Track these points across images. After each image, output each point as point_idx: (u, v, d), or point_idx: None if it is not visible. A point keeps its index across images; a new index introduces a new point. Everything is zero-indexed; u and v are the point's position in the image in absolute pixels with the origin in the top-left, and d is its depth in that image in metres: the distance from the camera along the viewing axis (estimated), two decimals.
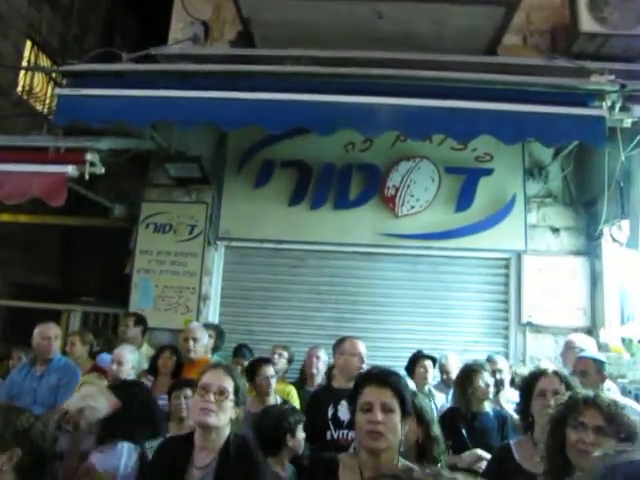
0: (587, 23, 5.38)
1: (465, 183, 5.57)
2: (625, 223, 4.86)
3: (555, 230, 5.68)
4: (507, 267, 5.64)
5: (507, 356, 5.20)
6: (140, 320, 4.98)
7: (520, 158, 5.66)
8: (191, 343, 4.32)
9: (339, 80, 4.33)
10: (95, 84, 4.43)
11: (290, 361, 4.77)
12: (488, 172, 5.58)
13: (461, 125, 4.16)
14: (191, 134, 5.32)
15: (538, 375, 2.51)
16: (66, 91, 4.43)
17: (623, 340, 4.85)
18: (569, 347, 4.13)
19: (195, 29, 6.09)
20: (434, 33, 5.24)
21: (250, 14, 5.34)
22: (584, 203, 5.64)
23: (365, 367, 3.14)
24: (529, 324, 5.42)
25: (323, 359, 4.47)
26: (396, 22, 5.16)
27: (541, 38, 5.93)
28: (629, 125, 4.25)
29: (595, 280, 5.42)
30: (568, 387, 2.27)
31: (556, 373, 2.46)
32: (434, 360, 4.49)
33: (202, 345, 4.42)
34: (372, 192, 5.62)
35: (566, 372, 2.56)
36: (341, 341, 3.49)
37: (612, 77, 4.32)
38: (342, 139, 5.52)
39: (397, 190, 5.57)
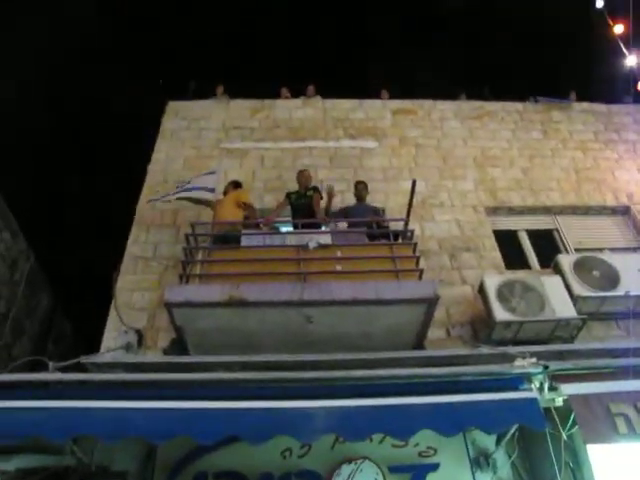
0: (500, 313, 5.88)
1: None
2: None
3: None
4: None
5: None
6: None
7: (464, 448, 5.46)
8: None
9: (272, 385, 4.32)
10: (16, 395, 4.20)
11: None
12: (434, 467, 5.29)
13: (398, 423, 4.10)
14: (117, 447, 4.97)
15: None
16: None
17: None
18: None
19: (129, 337, 6.16)
20: (363, 333, 5.53)
21: (183, 323, 5.51)
22: None
23: None
24: None
25: None
26: (326, 325, 5.46)
27: (463, 329, 6.33)
28: (561, 404, 4.32)
29: None
30: None
31: None
32: None
33: None
34: None
35: None
36: None
37: (534, 359, 4.52)
38: (279, 445, 5.21)
39: None
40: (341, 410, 4.04)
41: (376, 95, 10.03)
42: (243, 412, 4.02)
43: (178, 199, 7.13)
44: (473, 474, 5.38)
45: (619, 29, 7.72)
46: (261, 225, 6.87)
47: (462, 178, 8.48)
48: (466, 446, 5.49)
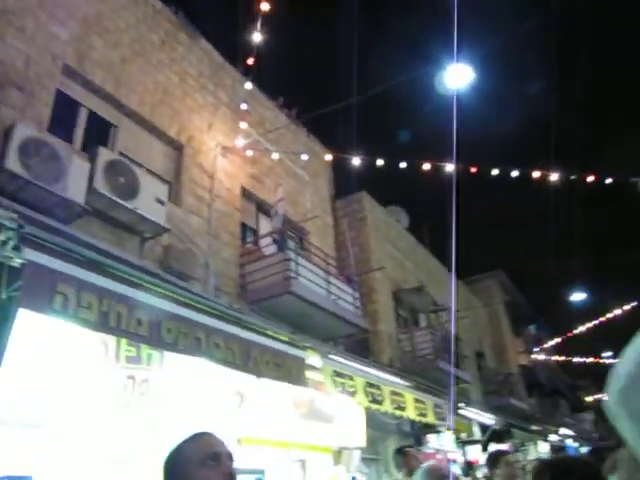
0: (14, 163, 5.64)
1: None
2: None
3: None
4: None
5: None
6: None
7: None
8: None
9: None
10: None
11: None
12: None
13: None
14: None
15: None
16: None
17: None
18: None
19: None
20: None
21: None
22: None
23: None
24: None
25: None
26: None
27: None
28: (18, 265, 4.34)
29: None
30: None
31: None
32: None
33: None
34: None
35: None
36: None
37: (15, 216, 4.43)
38: None
39: None
40: None
41: None
42: None
43: None
44: None
45: (265, 7, 8.18)
46: None
47: None
48: None
